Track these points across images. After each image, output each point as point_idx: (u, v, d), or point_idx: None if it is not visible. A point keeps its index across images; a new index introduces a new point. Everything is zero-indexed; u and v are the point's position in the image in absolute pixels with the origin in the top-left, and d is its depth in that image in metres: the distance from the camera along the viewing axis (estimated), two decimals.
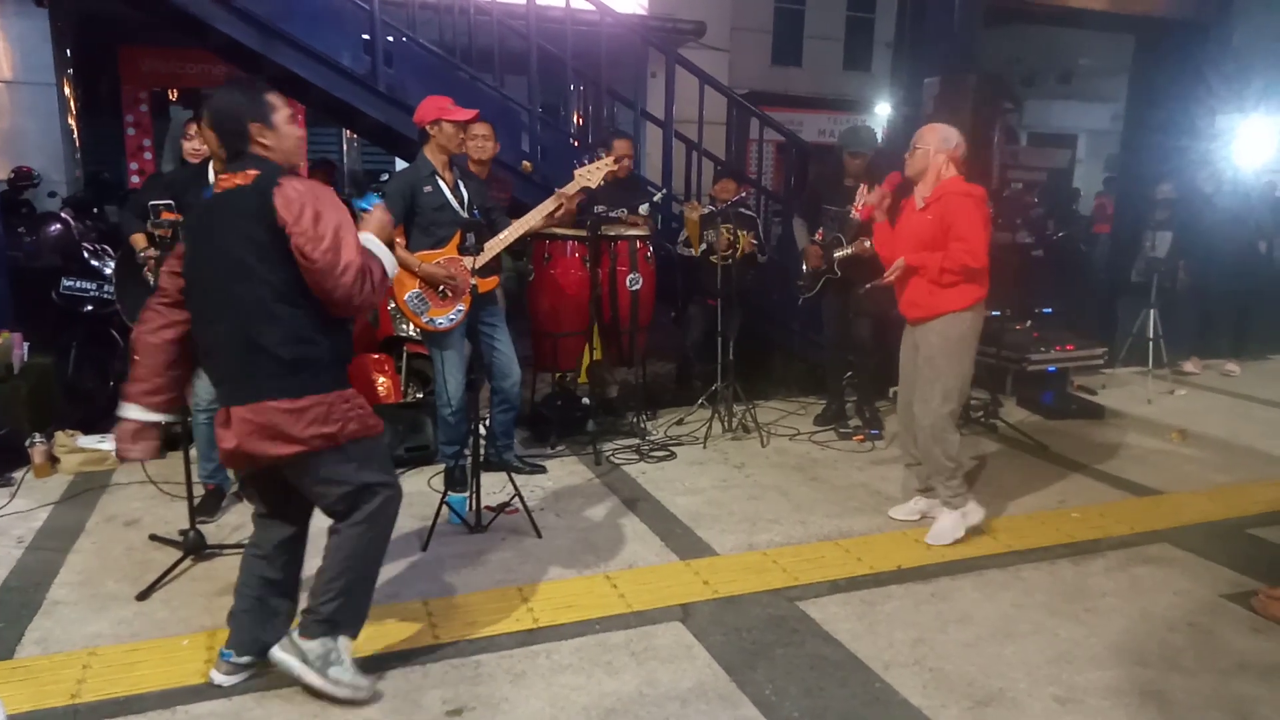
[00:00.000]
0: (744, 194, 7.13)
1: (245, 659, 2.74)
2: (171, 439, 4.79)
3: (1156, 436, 5.61)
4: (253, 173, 2.54)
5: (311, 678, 2.62)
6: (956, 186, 3.82)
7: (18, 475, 4.40)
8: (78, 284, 5.80)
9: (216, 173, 3.81)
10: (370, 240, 2.67)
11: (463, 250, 4.11)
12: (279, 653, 2.66)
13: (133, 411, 2.63)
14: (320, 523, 2.71)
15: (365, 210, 2.78)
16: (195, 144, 4.33)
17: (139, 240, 3.78)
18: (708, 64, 7.61)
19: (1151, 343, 6.71)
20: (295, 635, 2.66)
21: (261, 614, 2.75)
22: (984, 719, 2.67)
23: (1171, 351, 6.98)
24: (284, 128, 2.63)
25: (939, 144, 3.85)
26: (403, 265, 4.15)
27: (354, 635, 2.71)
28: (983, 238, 3.74)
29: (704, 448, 5.16)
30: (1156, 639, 3.13)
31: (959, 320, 3.81)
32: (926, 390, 3.86)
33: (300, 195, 2.47)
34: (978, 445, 5.26)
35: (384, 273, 2.65)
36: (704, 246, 5.65)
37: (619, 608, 3.24)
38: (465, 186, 4.24)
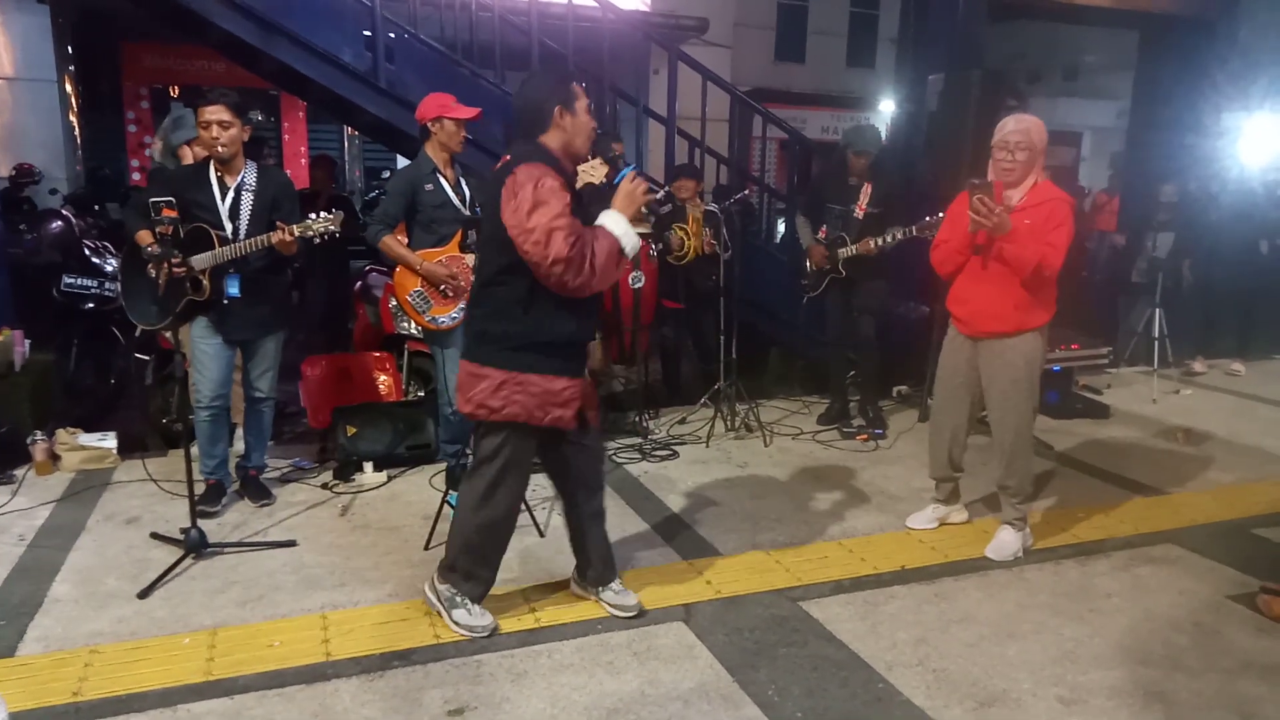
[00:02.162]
0: (748, 191, 7.12)
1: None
2: (172, 437, 4.83)
3: (1161, 436, 5.59)
4: (507, 156, 2.78)
5: (445, 619, 3.02)
6: (1058, 193, 3.57)
7: (19, 473, 4.39)
8: (79, 281, 5.80)
9: (217, 170, 3.82)
10: (610, 218, 2.78)
11: (464, 248, 4.10)
12: (426, 590, 3.10)
13: None
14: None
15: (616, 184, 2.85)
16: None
17: (144, 238, 3.76)
18: (710, 60, 7.59)
19: (1156, 342, 6.69)
20: (434, 575, 3.09)
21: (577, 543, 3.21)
22: (987, 719, 2.67)
23: (1176, 351, 6.96)
24: (582, 116, 2.82)
25: (1042, 143, 3.55)
26: (403, 263, 4.14)
27: (470, 595, 3.02)
28: (1065, 253, 3.51)
29: (707, 447, 5.15)
30: (1160, 639, 3.12)
31: (1039, 338, 3.65)
32: (1014, 415, 3.67)
33: (523, 184, 2.64)
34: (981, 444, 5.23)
35: (614, 251, 2.73)
36: (659, 246, 5.63)
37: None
38: (467, 184, 4.23)
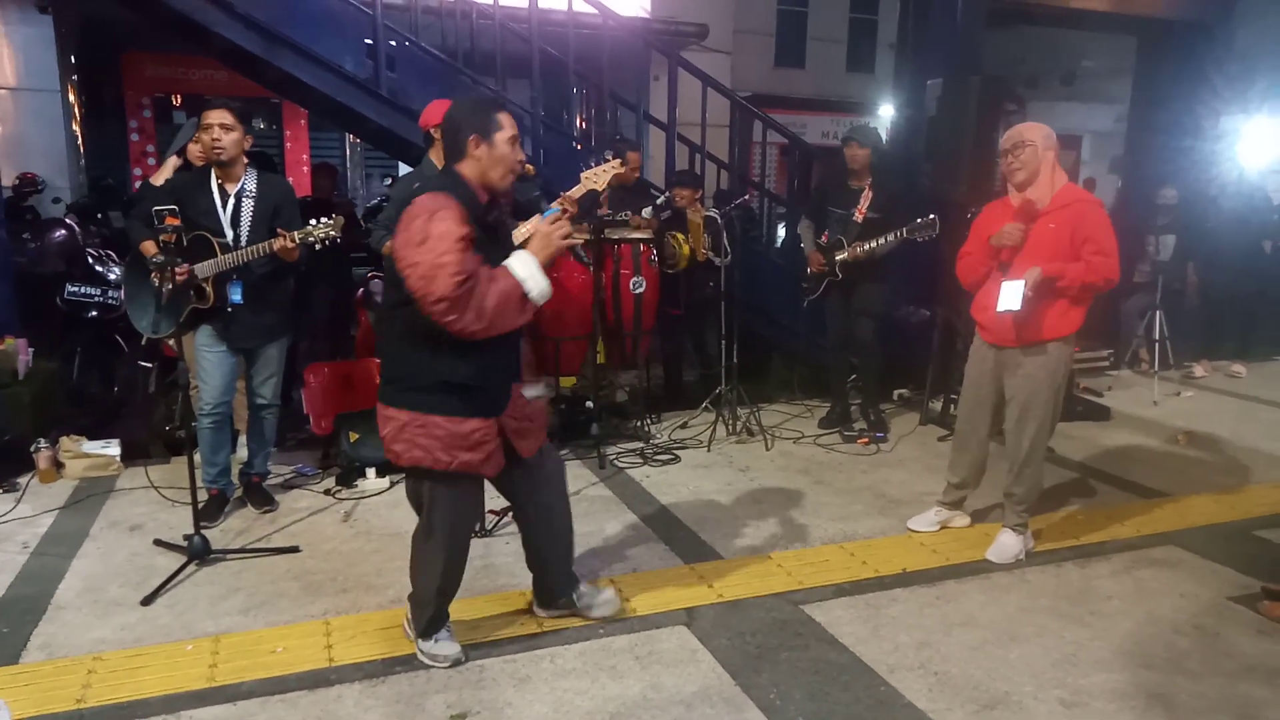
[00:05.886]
0: (748, 196, 7.14)
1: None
2: (175, 444, 4.84)
3: (1162, 438, 5.59)
4: (417, 185, 2.67)
5: (415, 644, 2.94)
6: (1083, 194, 3.56)
7: (22, 481, 4.41)
8: (82, 290, 5.83)
9: (218, 177, 3.84)
10: (520, 261, 2.60)
11: None
12: (403, 621, 3.03)
13: None
14: None
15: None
16: (199, 149, 4.34)
17: (149, 249, 3.78)
18: (710, 66, 7.60)
19: (1157, 344, 6.69)
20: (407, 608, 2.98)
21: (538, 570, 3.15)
22: None
23: (1178, 353, 6.96)
24: (501, 148, 2.67)
25: (1044, 140, 3.50)
26: None
27: (418, 632, 2.91)
28: (1117, 250, 3.48)
29: (708, 451, 5.15)
30: (1162, 642, 3.12)
31: (1067, 346, 3.61)
32: (1032, 425, 3.64)
33: (417, 215, 2.48)
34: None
35: (508, 296, 2.54)
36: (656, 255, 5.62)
37: (623, 612, 3.23)
38: None
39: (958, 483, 4.00)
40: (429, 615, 2.88)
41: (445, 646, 2.90)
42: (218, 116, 3.74)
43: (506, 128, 2.68)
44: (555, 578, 3.15)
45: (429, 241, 2.43)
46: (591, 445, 4.99)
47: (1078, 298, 3.54)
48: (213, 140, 3.74)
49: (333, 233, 3.74)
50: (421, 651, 2.90)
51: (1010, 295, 3.50)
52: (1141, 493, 4.60)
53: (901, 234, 4.89)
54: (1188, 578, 3.62)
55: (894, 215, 5.11)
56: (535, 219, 3.23)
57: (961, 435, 3.99)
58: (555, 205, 2.82)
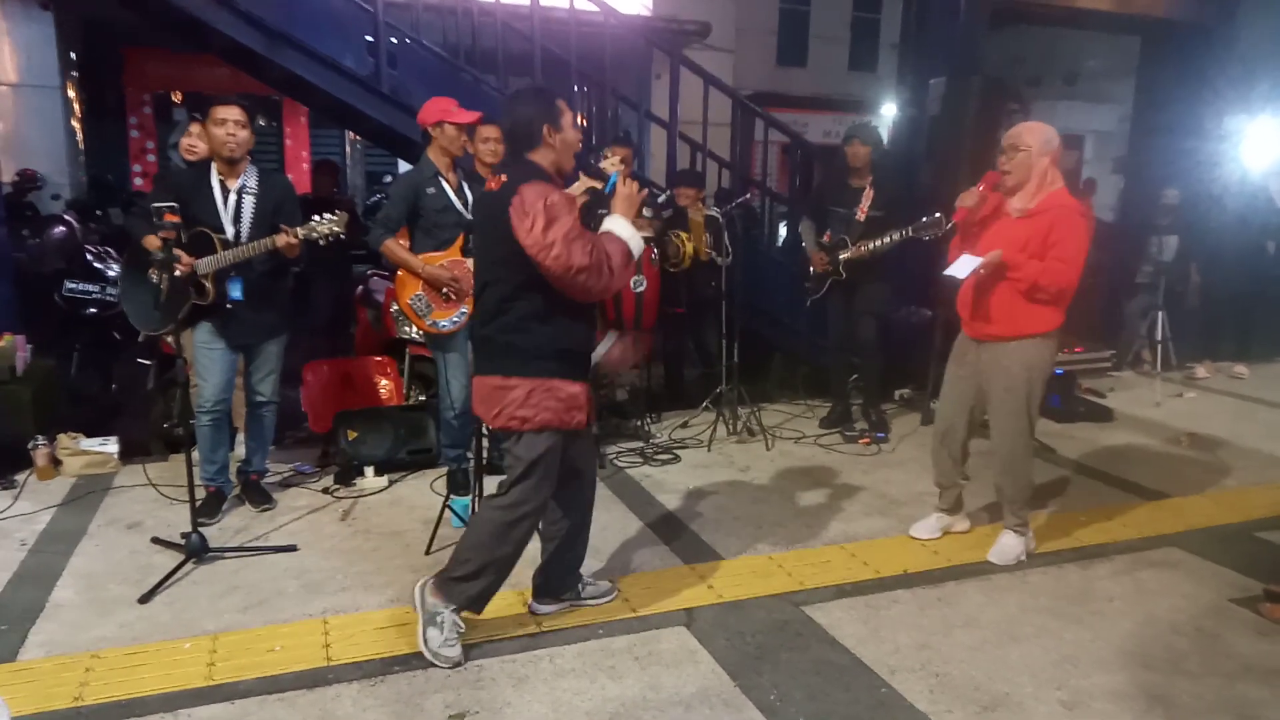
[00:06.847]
0: (750, 195, 7.12)
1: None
2: (173, 441, 4.83)
3: (1164, 440, 5.58)
4: (503, 178, 2.82)
5: (419, 628, 2.91)
6: (1069, 200, 3.51)
7: (20, 478, 4.40)
8: (81, 286, 5.83)
9: (220, 173, 3.83)
10: (615, 223, 2.86)
11: (466, 252, 4.11)
12: (416, 590, 2.97)
13: None
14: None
15: (609, 193, 2.95)
16: (192, 141, 4.33)
17: (152, 242, 3.76)
18: (712, 65, 7.61)
19: (1160, 345, 6.69)
20: (429, 583, 2.95)
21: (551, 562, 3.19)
22: None
23: (1180, 354, 6.95)
24: (569, 132, 2.88)
25: (1042, 145, 3.49)
26: (405, 267, 4.14)
27: (458, 609, 2.92)
28: (1082, 263, 3.46)
29: (709, 451, 5.14)
30: (1162, 643, 3.12)
31: (1044, 345, 3.58)
32: (1009, 421, 3.62)
33: (533, 202, 2.67)
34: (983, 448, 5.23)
35: (626, 254, 2.81)
36: (658, 254, 5.61)
37: (623, 612, 3.23)
38: (469, 189, 4.23)
39: (944, 482, 4.00)
40: (482, 587, 2.92)
41: (451, 648, 2.89)
42: (234, 113, 3.73)
43: (567, 112, 2.88)
44: (576, 564, 3.21)
45: (555, 223, 2.66)
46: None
47: (1028, 295, 3.49)
48: (227, 135, 3.73)
49: (337, 228, 3.73)
50: (427, 648, 2.88)
51: (963, 265, 3.56)
52: (1143, 494, 4.59)
53: (907, 232, 4.88)
54: (1188, 579, 3.61)
55: (896, 214, 5.11)
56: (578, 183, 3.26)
57: (939, 433, 3.98)
58: (615, 172, 2.99)
